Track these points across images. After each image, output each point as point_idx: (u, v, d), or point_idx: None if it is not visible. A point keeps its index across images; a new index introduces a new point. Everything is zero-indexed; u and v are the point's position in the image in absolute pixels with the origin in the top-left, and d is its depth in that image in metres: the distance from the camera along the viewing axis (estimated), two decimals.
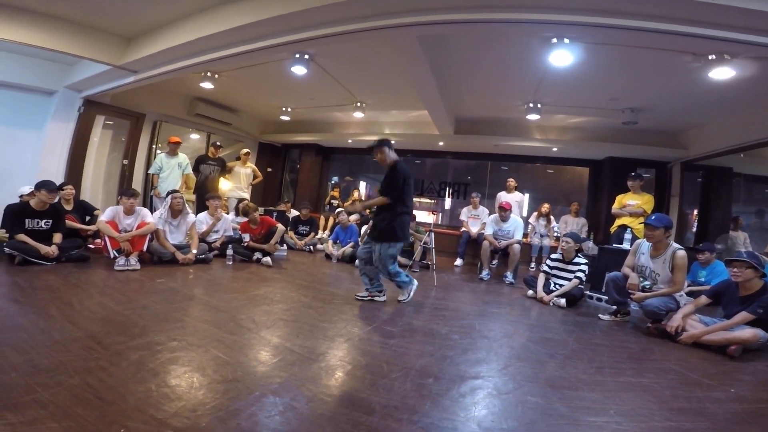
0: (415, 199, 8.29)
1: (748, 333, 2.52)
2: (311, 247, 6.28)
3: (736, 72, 3.62)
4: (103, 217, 3.92)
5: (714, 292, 2.91)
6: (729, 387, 2.07)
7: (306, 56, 4.15)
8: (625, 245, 4.11)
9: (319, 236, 7.54)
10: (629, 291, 3.19)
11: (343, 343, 2.42)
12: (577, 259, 3.97)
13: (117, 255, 3.77)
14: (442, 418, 1.63)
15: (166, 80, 5.31)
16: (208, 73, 5.34)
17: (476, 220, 6.57)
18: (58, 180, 4.60)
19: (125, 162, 6.42)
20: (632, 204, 4.82)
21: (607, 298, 3.61)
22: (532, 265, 6.50)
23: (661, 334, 2.91)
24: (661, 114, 5.28)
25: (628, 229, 4.41)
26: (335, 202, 8.29)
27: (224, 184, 6.56)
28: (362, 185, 9.66)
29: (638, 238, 4.25)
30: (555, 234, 6.64)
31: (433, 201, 8.51)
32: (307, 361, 2.10)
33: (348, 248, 5.65)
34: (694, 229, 6.61)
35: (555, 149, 6.66)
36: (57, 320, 2.28)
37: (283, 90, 5.99)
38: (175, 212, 4.34)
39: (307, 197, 8.86)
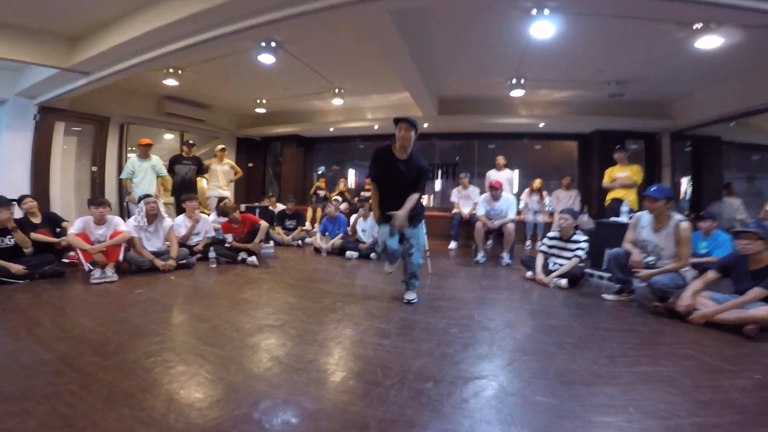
0: None
1: (763, 311, 2.35)
2: (300, 242, 6.08)
3: (724, 40, 3.50)
4: (73, 229, 3.67)
5: (722, 266, 2.74)
6: (753, 373, 1.94)
7: (273, 44, 3.87)
8: (623, 218, 3.99)
9: (306, 228, 7.38)
10: (633, 269, 3.03)
11: (333, 347, 2.26)
12: (575, 237, 3.82)
13: (92, 268, 3.54)
14: (443, 430, 1.49)
15: (127, 80, 5.03)
16: (170, 69, 5.02)
17: (467, 200, 6.43)
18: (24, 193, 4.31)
19: (94, 169, 6.10)
20: (622, 176, 4.82)
21: (609, 275, 3.49)
22: (528, 243, 6.42)
23: (670, 313, 2.77)
24: (647, 85, 5.17)
25: (625, 201, 4.31)
26: (321, 193, 8.07)
27: (205, 184, 6.30)
28: (351, 173, 9.42)
29: (634, 210, 4.18)
30: (548, 210, 6.55)
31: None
32: (294, 372, 1.94)
33: (337, 240, 5.46)
34: (683, 197, 6.64)
35: (542, 125, 6.53)
36: (26, 342, 2.14)
37: (255, 82, 5.71)
38: (151, 218, 4.10)
39: (292, 190, 8.62)
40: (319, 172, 9.46)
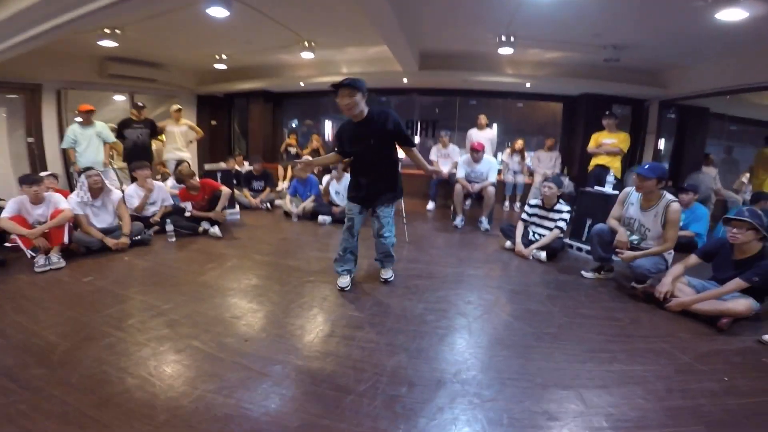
0: None
1: (741, 305, 2.31)
2: (268, 204, 5.76)
3: (748, 14, 3.22)
4: (6, 212, 3.24)
5: (705, 251, 2.67)
6: (722, 374, 1.92)
7: None
8: (607, 188, 3.87)
9: (278, 189, 7.04)
10: (616, 248, 2.93)
11: (301, 344, 2.12)
12: (558, 206, 3.69)
13: (34, 254, 3.19)
14: None
15: (60, 43, 4.44)
16: (106, 30, 4.34)
17: (447, 159, 6.21)
18: None
19: (30, 140, 5.49)
20: (608, 143, 4.72)
21: (588, 248, 3.41)
22: (506, 203, 6.34)
23: (648, 298, 2.73)
24: (645, 52, 4.90)
25: (611, 171, 4.20)
26: (292, 150, 7.63)
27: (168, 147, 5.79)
28: (327, 126, 8.88)
29: (618, 179, 4.07)
30: (528, 169, 6.43)
31: None
32: (254, 378, 1.81)
33: (308, 203, 5.19)
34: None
35: (528, 85, 6.22)
36: None
37: (211, 37, 5.04)
38: (95, 191, 3.70)
39: (261, 148, 8.15)
40: (293, 126, 8.92)
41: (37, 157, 5.56)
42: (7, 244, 3.46)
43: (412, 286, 2.90)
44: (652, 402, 1.71)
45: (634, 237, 2.94)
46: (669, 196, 2.79)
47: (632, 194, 2.98)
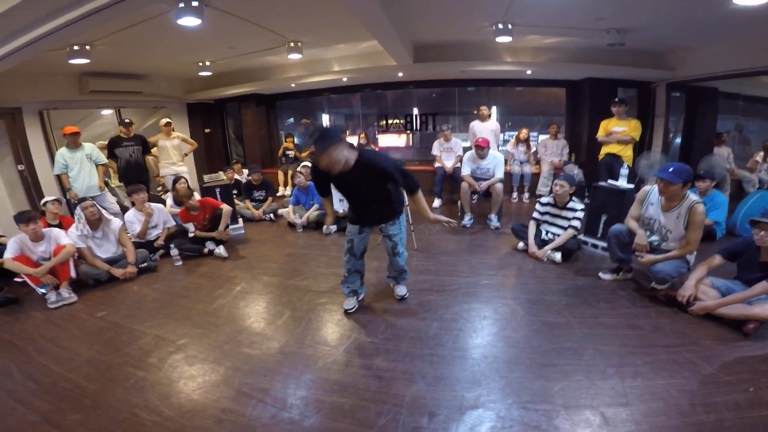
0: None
1: None
2: (271, 215, 5.81)
3: None
4: (8, 252, 3.31)
5: (730, 251, 2.63)
6: (748, 384, 1.95)
7: (194, 2, 3.22)
8: (622, 182, 3.84)
9: (281, 194, 7.08)
10: (636, 251, 2.92)
11: (316, 374, 2.19)
12: (571, 204, 3.67)
13: (44, 291, 3.29)
14: None
15: (32, 63, 4.40)
16: (75, 47, 4.32)
17: (450, 153, 6.19)
18: None
19: (21, 168, 5.50)
20: (619, 131, 4.67)
21: (604, 245, 3.40)
22: (514, 195, 6.32)
23: (670, 301, 2.72)
24: (651, 35, 4.78)
25: (624, 164, 4.16)
26: (291, 153, 7.66)
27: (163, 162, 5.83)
28: (325, 121, 8.84)
29: (629, 168, 4.03)
30: (534, 157, 6.40)
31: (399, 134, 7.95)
32: (278, 415, 1.89)
33: (312, 212, 5.23)
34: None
35: (529, 72, 6.12)
36: (2, 400, 2.08)
37: (188, 46, 4.98)
38: (94, 223, 3.76)
39: (258, 152, 8.18)
40: (290, 127, 8.90)
41: (31, 185, 5.59)
42: (17, 279, 3.53)
43: (425, 303, 2.95)
44: (674, 419, 1.75)
45: (654, 238, 2.93)
46: (693, 197, 2.73)
47: (652, 193, 2.93)
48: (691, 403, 1.84)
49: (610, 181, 4.02)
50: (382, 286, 3.24)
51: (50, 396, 2.10)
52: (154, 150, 5.80)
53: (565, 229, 3.66)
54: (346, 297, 2.90)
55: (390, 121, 7.90)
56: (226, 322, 2.84)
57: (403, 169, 2.51)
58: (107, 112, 7.10)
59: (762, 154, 5.91)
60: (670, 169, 2.68)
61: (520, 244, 3.91)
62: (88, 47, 4.39)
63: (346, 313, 2.83)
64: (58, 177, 4.82)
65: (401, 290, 3.03)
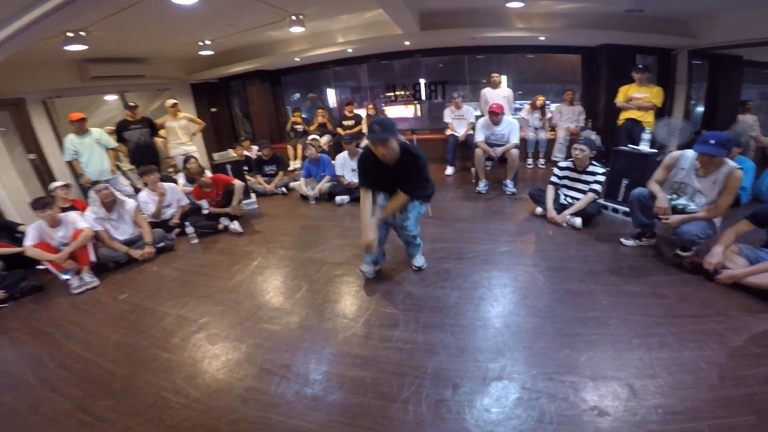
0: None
1: None
2: (284, 189, 5.77)
3: None
4: (28, 240, 3.32)
5: (758, 217, 2.46)
6: None
7: None
8: (643, 146, 3.65)
9: (290, 169, 7.02)
10: (657, 214, 2.77)
11: (336, 348, 2.18)
12: (591, 168, 3.51)
13: (67, 276, 3.33)
14: None
15: (28, 53, 4.33)
16: (69, 34, 4.18)
17: (462, 120, 5.99)
18: None
19: (32, 157, 5.49)
20: (639, 97, 4.52)
21: (625, 209, 3.25)
22: (529, 161, 6.15)
23: (696, 268, 2.60)
24: (670, 2, 4.48)
25: (646, 129, 3.95)
26: (299, 127, 7.51)
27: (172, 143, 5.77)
28: (331, 95, 8.63)
29: (649, 133, 3.84)
30: (549, 123, 6.15)
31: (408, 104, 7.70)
32: (301, 391, 1.90)
33: (324, 184, 5.16)
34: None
35: (542, 38, 5.76)
36: (38, 390, 2.10)
37: (186, 25, 4.80)
38: (109, 205, 3.76)
39: (266, 128, 8.06)
40: (297, 101, 8.71)
41: (45, 173, 5.61)
42: (39, 267, 3.60)
43: (443, 271, 2.89)
44: (703, 392, 1.69)
45: (681, 201, 2.78)
46: (732, 163, 2.56)
47: (683, 158, 2.76)
48: (720, 376, 1.77)
49: (631, 146, 3.83)
50: (399, 254, 3.18)
51: (82, 382, 2.13)
52: (162, 132, 5.74)
53: (584, 193, 3.52)
54: (364, 263, 2.91)
55: (398, 92, 7.63)
56: (246, 298, 2.83)
57: (427, 174, 2.62)
58: (112, 97, 7.01)
59: None
60: (712, 141, 2.49)
61: (538, 209, 3.80)
62: (83, 33, 4.27)
63: (362, 273, 2.88)
64: (70, 163, 4.80)
65: (417, 261, 2.98)
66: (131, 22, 4.31)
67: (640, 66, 4.61)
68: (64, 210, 3.76)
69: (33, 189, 5.48)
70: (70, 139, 4.62)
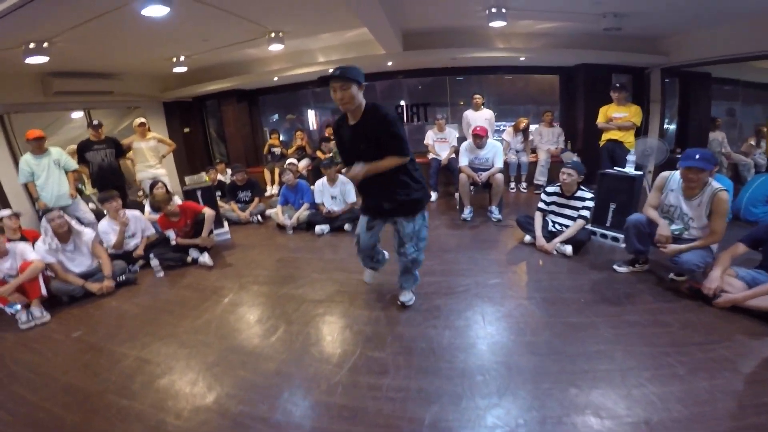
0: None
1: None
2: (259, 217, 5.51)
3: None
4: None
5: (754, 239, 2.48)
6: None
7: None
8: (629, 168, 3.66)
9: (267, 194, 6.78)
10: (658, 243, 2.72)
11: (320, 398, 1.95)
12: (580, 193, 3.48)
13: (13, 311, 3.00)
14: None
15: None
16: (31, 45, 3.95)
17: (444, 143, 5.98)
18: None
19: None
20: (619, 117, 4.62)
21: (615, 234, 3.22)
22: (512, 185, 6.16)
23: (694, 294, 2.56)
24: (648, 20, 4.67)
25: (631, 151, 3.99)
26: (276, 150, 7.33)
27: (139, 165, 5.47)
28: (311, 116, 8.51)
29: (629, 152, 3.89)
30: (530, 146, 6.23)
31: None
32: None
33: (302, 212, 4.94)
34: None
35: (523, 58, 5.94)
36: None
37: (158, 39, 4.62)
38: (63, 235, 3.44)
39: (242, 151, 7.83)
40: (275, 123, 8.56)
41: None
42: None
43: (433, 308, 2.71)
44: (725, 423, 1.61)
45: (675, 227, 2.75)
46: (715, 184, 2.58)
47: (672, 179, 2.77)
48: (739, 405, 1.69)
49: (617, 168, 3.84)
50: (386, 284, 3.01)
51: (26, 428, 1.91)
52: (130, 153, 5.44)
53: (573, 219, 3.47)
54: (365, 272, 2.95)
55: None
56: (216, 339, 2.57)
57: (397, 127, 2.24)
58: (78, 114, 6.66)
59: (755, 138, 5.94)
60: (697, 156, 2.51)
61: (527, 237, 3.72)
62: (46, 45, 4.01)
63: (367, 282, 2.98)
64: (25, 186, 4.44)
65: (404, 296, 2.75)
66: (99, 35, 4.09)
67: (617, 85, 4.74)
68: (20, 242, 3.43)
69: None
70: (26, 160, 4.28)
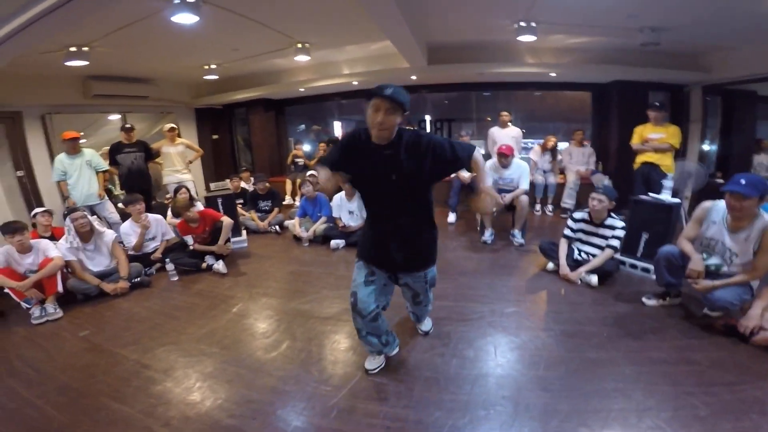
0: None
1: None
2: (277, 227, 5.54)
3: None
4: None
5: None
6: None
7: None
8: (665, 195, 3.44)
9: (288, 203, 6.85)
10: (689, 278, 2.52)
11: (313, 421, 1.87)
12: (610, 221, 3.27)
13: (28, 305, 3.12)
14: None
15: (32, 65, 4.41)
16: (72, 48, 4.20)
17: None
18: None
19: (19, 174, 5.38)
20: (656, 138, 4.33)
21: (645, 265, 2.99)
22: (537, 207, 5.92)
23: (729, 331, 2.35)
24: (688, 35, 4.44)
25: (668, 175, 3.75)
26: (300, 161, 7.42)
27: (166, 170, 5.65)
28: (337, 128, 8.62)
29: (666, 176, 3.65)
30: (558, 166, 5.99)
31: None
32: None
33: (319, 225, 4.92)
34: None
35: (553, 74, 5.78)
36: None
37: (190, 46, 4.83)
38: (85, 235, 3.55)
39: (267, 160, 7.98)
40: (301, 133, 8.72)
41: (30, 192, 5.46)
42: (7, 291, 3.32)
43: (443, 335, 2.58)
44: None
45: (713, 261, 2.52)
46: (767, 217, 2.33)
47: (714, 211, 2.54)
48: None
49: (652, 195, 3.61)
50: (395, 306, 2.86)
51: (12, 424, 1.94)
52: (158, 159, 5.63)
53: (601, 249, 3.27)
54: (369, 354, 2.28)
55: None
56: (218, 350, 2.54)
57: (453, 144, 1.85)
58: (115, 117, 6.99)
59: None
60: (742, 181, 2.27)
61: (550, 265, 3.53)
62: (86, 48, 4.26)
63: (368, 373, 2.20)
64: (58, 184, 4.64)
65: (425, 326, 2.60)
66: (134, 40, 4.31)
67: (656, 104, 4.47)
68: (41, 238, 3.56)
69: (17, 208, 5.31)
70: (60, 159, 4.50)
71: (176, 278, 3.87)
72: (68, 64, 4.40)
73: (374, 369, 2.21)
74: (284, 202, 6.77)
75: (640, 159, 4.52)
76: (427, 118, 7.44)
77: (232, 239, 4.65)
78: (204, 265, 4.06)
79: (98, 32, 3.92)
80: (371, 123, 1.74)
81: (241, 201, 5.85)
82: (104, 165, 4.78)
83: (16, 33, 2.80)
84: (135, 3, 3.18)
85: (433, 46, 5.24)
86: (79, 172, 4.51)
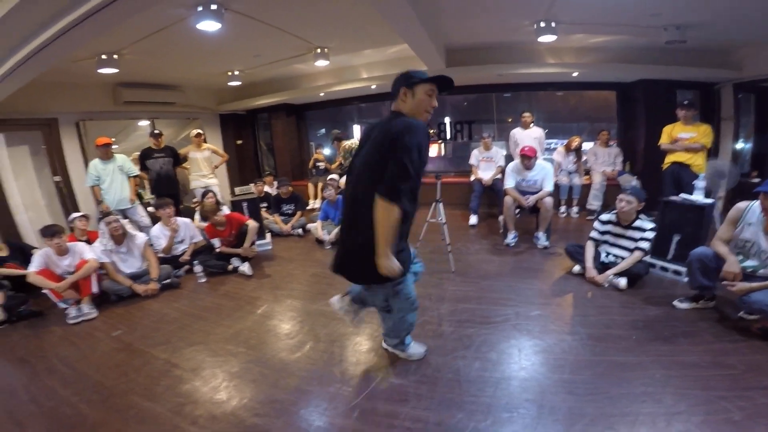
0: None
1: None
2: (300, 230, 5.64)
3: None
4: (33, 266, 3.32)
5: None
6: None
7: (213, 5, 3.17)
8: (697, 196, 3.33)
9: (310, 207, 6.95)
10: (724, 279, 2.44)
11: (335, 421, 1.91)
12: (638, 223, 3.19)
13: (66, 305, 3.30)
14: None
15: (64, 72, 4.64)
16: (103, 56, 4.43)
17: (489, 163, 5.80)
18: None
19: (57, 179, 5.67)
20: (686, 137, 4.20)
21: (677, 268, 2.90)
22: (562, 209, 5.82)
23: (765, 334, 2.28)
24: (714, 31, 4.31)
25: (700, 175, 3.63)
26: (321, 165, 7.53)
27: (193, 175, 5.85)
28: (356, 131, 8.71)
29: (698, 176, 3.53)
30: (584, 167, 5.86)
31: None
32: None
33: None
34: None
35: (575, 74, 5.68)
36: (4, 426, 2.02)
37: (215, 53, 5.02)
38: (118, 238, 3.72)
39: (289, 164, 8.14)
40: (321, 133, 8.85)
41: (67, 197, 5.74)
42: (45, 291, 3.52)
43: (465, 337, 2.58)
44: None
45: (750, 263, 2.44)
46: None
47: (750, 212, 2.46)
48: None
49: (683, 195, 3.50)
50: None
51: (49, 421, 2.02)
52: (185, 164, 5.82)
53: (630, 251, 3.19)
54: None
55: None
56: (244, 350, 2.62)
57: (411, 150, 1.64)
58: (145, 123, 7.29)
59: None
60: None
61: (576, 268, 3.47)
62: (115, 56, 4.49)
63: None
64: (92, 189, 4.88)
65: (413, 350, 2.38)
66: (161, 48, 4.52)
67: (686, 102, 4.33)
68: (80, 242, 3.77)
69: (54, 212, 5.61)
70: (94, 164, 4.73)
71: (204, 280, 4.00)
72: (101, 71, 4.65)
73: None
74: (308, 207, 6.89)
75: (669, 159, 4.39)
76: (447, 120, 7.40)
77: (257, 242, 4.77)
78: (230, 267, 4.18)
79: (127, 39, 4.14)
80: (427, 107, 1.89)
81: (265, 205, 5.98)
82: (135, 170, 5.00)
83: (56, 38, 2.95)
84: (160, 11, 3.35)
85: (452, 48, 5.25)
86: (112, 177, 4.73)
